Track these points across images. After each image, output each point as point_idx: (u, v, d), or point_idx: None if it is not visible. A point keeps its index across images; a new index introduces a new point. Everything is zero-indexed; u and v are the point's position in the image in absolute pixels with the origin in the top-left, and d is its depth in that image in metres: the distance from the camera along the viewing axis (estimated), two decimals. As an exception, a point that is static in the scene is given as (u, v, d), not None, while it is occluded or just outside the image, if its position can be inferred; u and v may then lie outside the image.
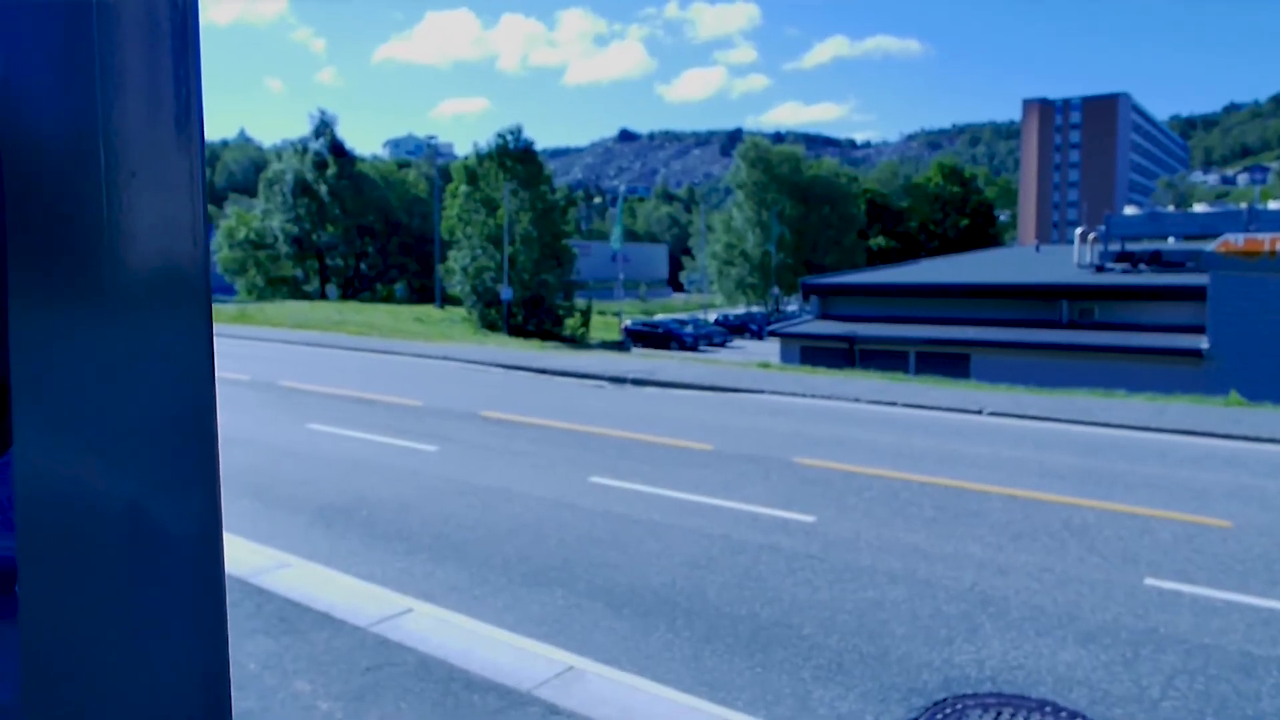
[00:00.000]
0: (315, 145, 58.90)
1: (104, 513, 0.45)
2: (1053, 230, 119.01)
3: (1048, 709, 4.50)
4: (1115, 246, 33.14)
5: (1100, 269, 31.36)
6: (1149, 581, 6.36)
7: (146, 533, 0.47)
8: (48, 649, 0.43)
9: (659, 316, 55.91)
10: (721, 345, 45.63)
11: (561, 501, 8.40)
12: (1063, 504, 8.37)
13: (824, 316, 31.41)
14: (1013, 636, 5.41)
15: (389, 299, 58.92)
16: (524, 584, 6.28)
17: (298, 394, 15.43)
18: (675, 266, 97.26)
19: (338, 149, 59.31)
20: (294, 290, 57.98)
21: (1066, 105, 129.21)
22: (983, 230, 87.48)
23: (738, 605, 5.89)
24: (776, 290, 64.54)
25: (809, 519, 7.86)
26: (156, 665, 0.48)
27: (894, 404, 14.73)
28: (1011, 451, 10.88)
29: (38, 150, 0.41)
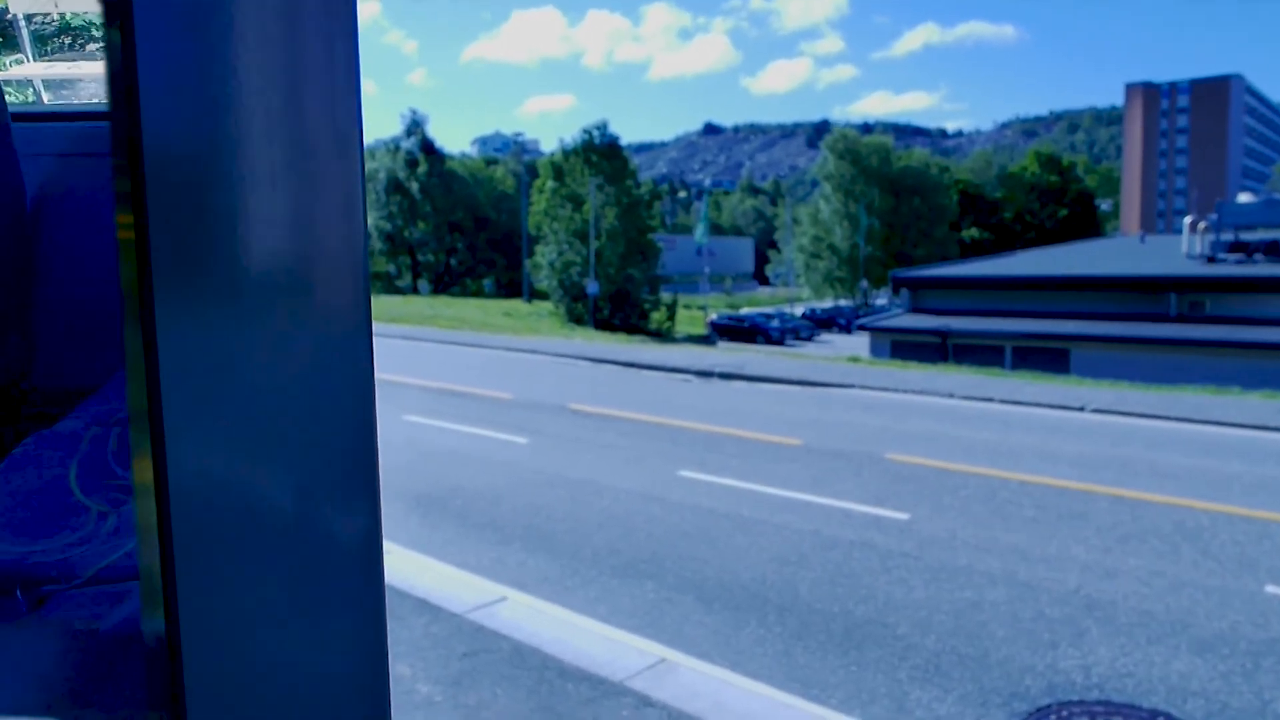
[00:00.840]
0: (407, 144, 60.48)
1: (269, 517, 0.46)
2: (1158, 220, 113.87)
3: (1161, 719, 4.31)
4: (1228, 236, 31.47)
5: (1211, 260, 29.82)
6: (1270, 589, 6.02)
7: (312, 535, 0.47)
8: (212, 657, 0.44)
9: (744, 310, 55.51)
10: (808, 339, 45.05)
11: (650, 495, 8.42)
12: (1174, 506, 7.99)
13: (915, 310, 30.71)
14: (1121, 643, 5.20)
15: (478, 294, 60.10)
16: (614, 576, 6.32)
17: (393, 386, 15.87)
18: (761, 260, 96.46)
19: (428, 147, 60.76)
20: (387, 285, 59.68)
21: (1174, 89, 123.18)
22: (1083, 220, 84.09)
23: (830, 602, 5.81)
24: (865, 284, 63.39)
25: (903, 516, 7.69)
26: (321, 671, 0.49)
27: (990, 400, 14.31)
28: (1117, 450, 10.44)
29: (206, 150, 0.41)
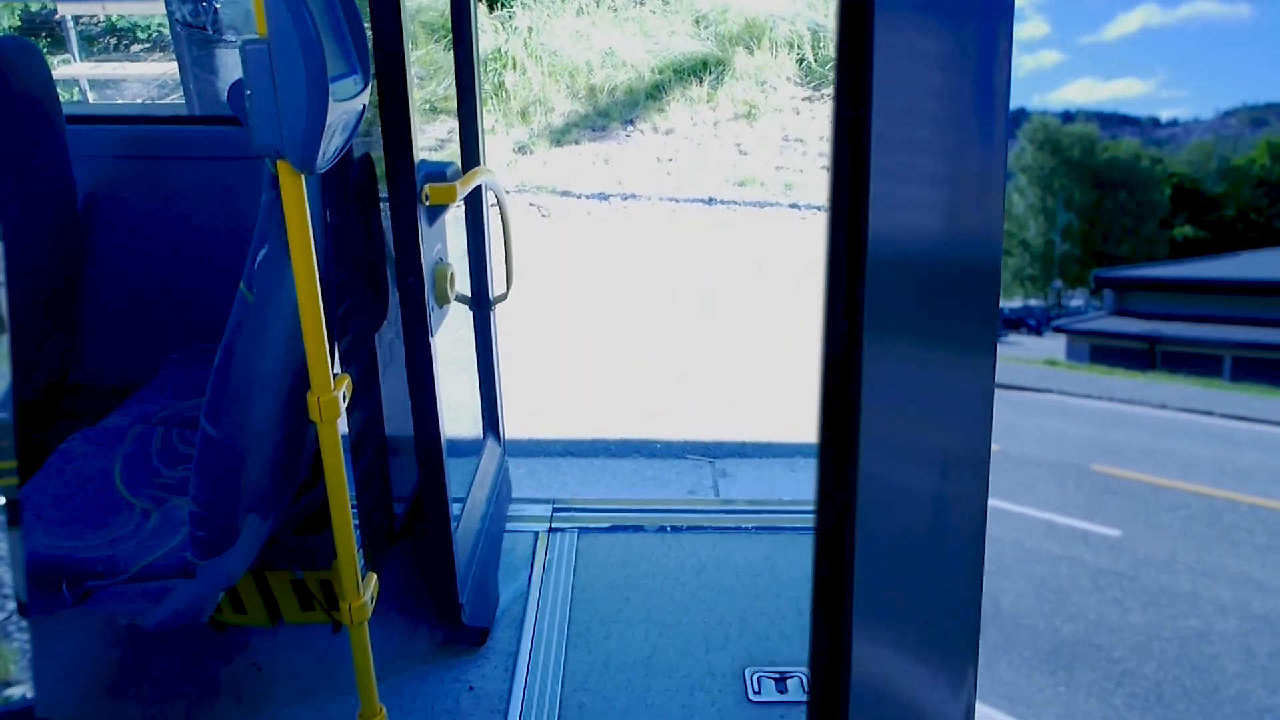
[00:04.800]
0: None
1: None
2: None
3: None
4: None
5: None
6: None
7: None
8: None
9: (926, 308, 53.33)
10: (995, 340, 42.79)
11: (836, 492, 8.27)
12: None
13: (1119, 313, 28.56)
14: (1382, 692, 4.65)
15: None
16: (803, 571, 6.26)
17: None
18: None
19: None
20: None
21: None
22: (1321, 219, 75.29)
23: (1035, 618, 5.52)
24: (1059, 283, 59.54)
25: (1114, 533, 7.19)
26: None
27: (1210, 413, 13.12)
28: (1367, 477, 9.33)
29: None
